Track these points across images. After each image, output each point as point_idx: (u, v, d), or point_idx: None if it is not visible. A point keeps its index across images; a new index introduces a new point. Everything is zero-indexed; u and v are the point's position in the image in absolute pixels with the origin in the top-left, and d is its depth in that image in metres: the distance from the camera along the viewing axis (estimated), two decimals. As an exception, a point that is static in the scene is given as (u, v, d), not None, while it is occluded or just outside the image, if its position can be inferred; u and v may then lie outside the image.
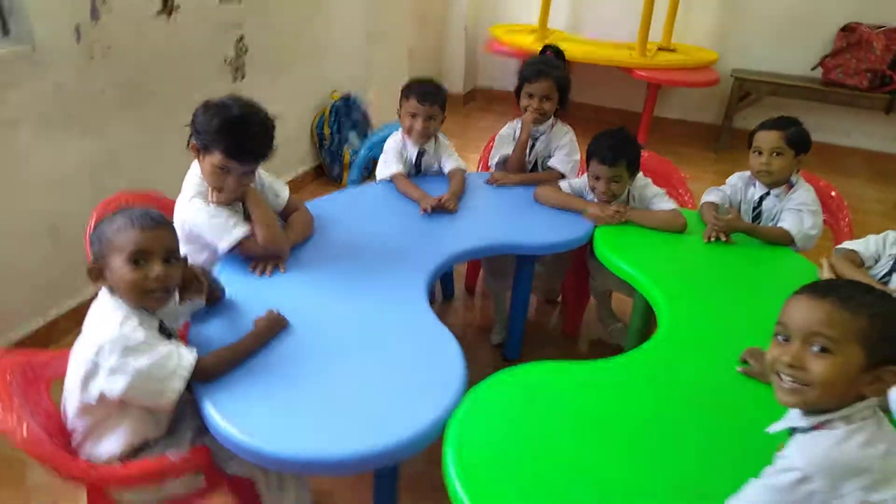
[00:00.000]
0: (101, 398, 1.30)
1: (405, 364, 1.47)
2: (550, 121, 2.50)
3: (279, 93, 3.35)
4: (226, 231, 1.74)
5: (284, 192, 1.98)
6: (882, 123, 4.54)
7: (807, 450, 1.00)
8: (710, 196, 2.26)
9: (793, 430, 1.06)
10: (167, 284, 1.38)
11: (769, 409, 1.13)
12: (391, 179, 2.34)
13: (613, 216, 2.13)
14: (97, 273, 1.36)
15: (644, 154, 2.31)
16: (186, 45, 2.71)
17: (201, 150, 1.72)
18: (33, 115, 2.15)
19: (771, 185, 2.17)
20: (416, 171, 2.45)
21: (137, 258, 1.33)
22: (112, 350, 1.28)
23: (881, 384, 0.99)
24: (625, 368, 1.51)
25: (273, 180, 1.97)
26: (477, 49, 5.47)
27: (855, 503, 0.96)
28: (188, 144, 1.75)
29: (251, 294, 1.66)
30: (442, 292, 2.87)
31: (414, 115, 2.31)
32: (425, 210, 2.15)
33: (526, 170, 2.50)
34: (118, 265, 1.33)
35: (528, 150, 2.50)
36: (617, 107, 5.20)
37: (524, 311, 2.36)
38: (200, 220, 1.73)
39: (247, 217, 1.83)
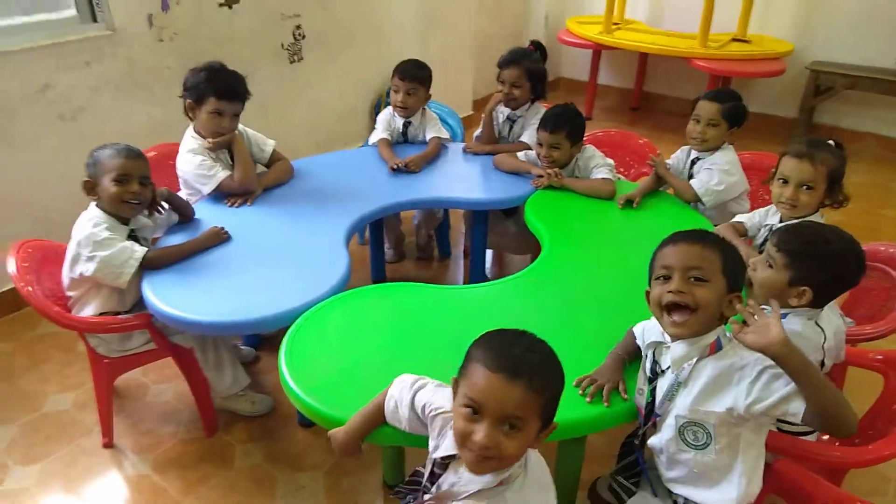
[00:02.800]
0: (81, 276, 1.87)
1: (302, 271, 1.90)
2: (526, 105, 2.76)
3: (337, 74, 3.88)
4: (208, 179, 2.26)
5: (269, 147, 2.47)
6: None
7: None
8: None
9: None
10: (140, 199, 1.93)
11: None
12: (376, 144, 2.75)
13: (546, 179, 2.39)
14: (90, 187, 1.93)
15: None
16: (245, 32, 3.31)
17: (195, 104, 2.25)
18: (112, 84, 2.83)
19: (702, 152, 2.33)
20: (404, 139, 2.84)
21: (121, 178, 1.89)
22: (87, 243, 1.84)
23: (732, 307, 1.28)
24: (475, 295, 1.82)
25: (258, 136, 2.47)
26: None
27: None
28: (185, 109, 2.27)
29: (217, 218, 2.17)
30: (439, 251, 3.24)
31: (396, 91, 2.71)
32: (391, 168, 2.55)
33: (496, 142, 2.80)
34: (106, 183, 1.89)
35: (507, 132, 2.80)
36: (692, 98, 5.17)
37: (481, 260, 2.67)
38: (188, 170, 2.26)
39: (232, 164, 2.34)
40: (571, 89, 5.88)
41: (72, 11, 2.68)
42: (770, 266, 1.52)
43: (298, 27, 3.59)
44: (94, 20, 2.74)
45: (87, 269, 1.84)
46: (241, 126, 2.40)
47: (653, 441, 1.38)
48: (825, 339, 1.54)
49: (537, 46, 2.87)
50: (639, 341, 1.45)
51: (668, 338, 1.35)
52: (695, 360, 1.29)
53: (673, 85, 5.26)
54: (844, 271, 1.52)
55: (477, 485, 1.13)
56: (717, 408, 1.26)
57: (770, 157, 2.59)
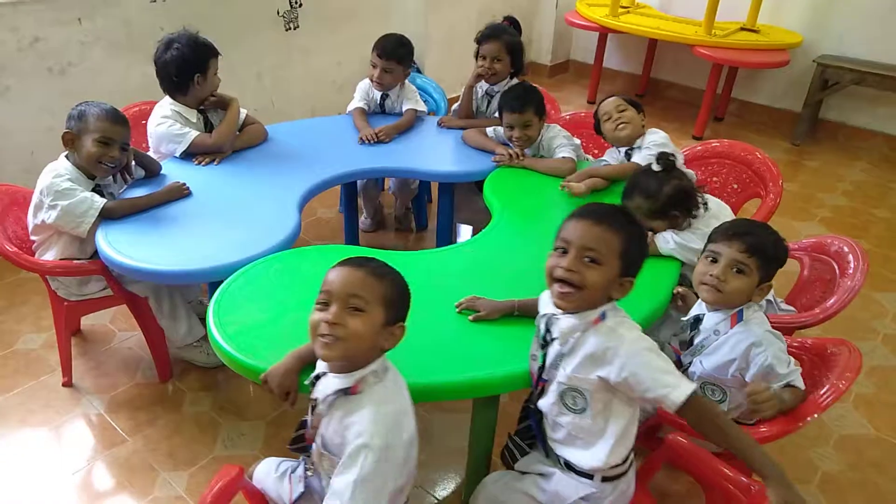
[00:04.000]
0: (43, 223, 1.97)
1: (253, 227, 1.98)
2: (506, 80, 2.78)
3: (334, 45, 3.93)
4: (181, 138, 2.33)
5: (242, 113, 2.54)
6: None
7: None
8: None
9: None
10: (116, 163, 2.03)
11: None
12: (351, 113, 2.81)
13: (508, 158, 2.43)
14: (70, 139, 2.01)
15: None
16: (240, -2, 3.37)
17: (194, 77, 2.33)
18: (104, 41, 2.92)
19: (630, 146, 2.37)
20: (381, 110, 2.89)
21: (104, 140, 1.98)
22: (48, 192, 1.94)
23: (623, 288, 1.34)
24: (411, 261, 1.88)
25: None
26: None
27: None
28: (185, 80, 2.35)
29: (182, 174, 2.25)
30: (416, 223, 3.29)
31: (374, 66, 2.75)
32: (361, 140, 2.60)
33: (473, 117, 2.83)
34: (88, 142, 1.98)
35: (486, 107, 2.83)
36: (699, 87, 5.12)
37: (446, 232, 2.72)
38: (161, 132, 2.34)
39: (206, 127, 2.42)
40: (581, 72, 5.84)
41: (64, -32, 2.76)
42: (741, 272, 1.54)
43: (295, -5, 3.63)
44: (86, -23, 2.82)
45: (48, 216, 1.94)
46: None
47: (541, 403, 1.43)
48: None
49: (512, 21, 2.87)
50: (540, 308, 1.50)
51: (558, 310, 1.38)
52: (578, 333, 1.33)
53: (680, 72, 5.19)
54: (784, 261, 1.63)
55: (333, 387, 1.24)
56: (591, 376, 1.31)
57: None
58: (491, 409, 1.65)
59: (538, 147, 2.52)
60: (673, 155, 1.94)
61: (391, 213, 3.31)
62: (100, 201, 1.96)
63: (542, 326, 1.41)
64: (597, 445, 1.37)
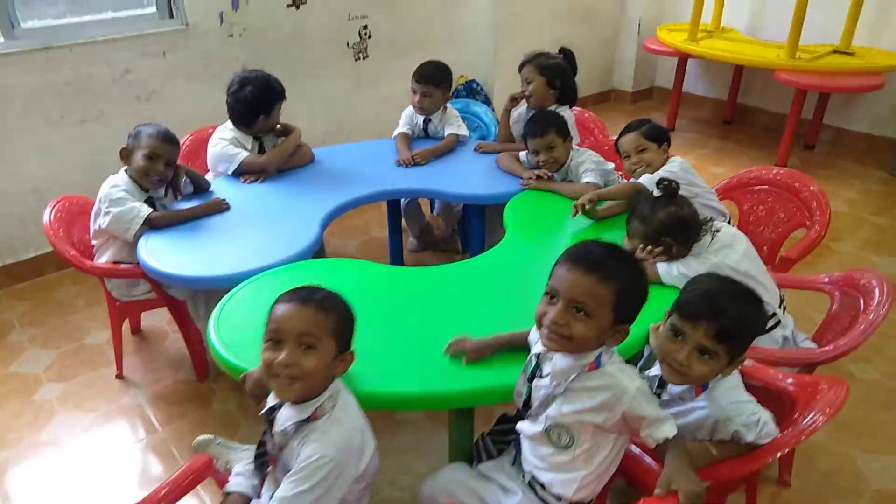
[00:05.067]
0: (100, 228, 2.24)
1: (274, 239, 2.14)
2: (554, 106, 2.78)
3: (401, 73, 4.07)
4: (231, 158, 2.56)
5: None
6: None
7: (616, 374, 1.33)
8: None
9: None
10: (162, 177, 2.29)
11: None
12: (396, 137, 2.94)
13: (531, 182, 2.45)
14: (126, 154, 2.29)
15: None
16: (311, 30, 3.64)
17: (260, 117, 2.58)
18: (184, 72, 3.25)
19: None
20: (425, 134, 3.00)
21: (151, 156, 2.24)
22: (105, 200, 2.21)
23: (618, 336, 1.32)
24: (414, 276, 1.96)
25: None
26: (650, 47, 5.53)
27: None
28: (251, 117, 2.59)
29: (228, 190, 2.47)
30: (462, 245, 3.35)
31: (414, 92, 2.88)
32: (398, 163, 2.73)
33: (512, 142, 2.87)
34: (138, 156, 2.25)
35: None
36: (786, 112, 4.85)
37: (478, 248, 2.76)
38: (215, 152, 2.60)
39: (260, 152, 2.64)
40: (666, 99, 5.68)
41: (152, 9, 3.13)
42: (708, 356, 1.34)
43: (365, 27, 3.87)
44: (171, 16, 3.17)
45: (103, 221, 2.20)
46: None
47: (522, 426, 1.44)
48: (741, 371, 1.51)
49: (565, 53, 2.89)
50: (531, 342, 1.48)
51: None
52: (573, 376, 1.32)
53: (768, 98, 4.94)
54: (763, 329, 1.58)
55: (292, 419, 1.30)
56: (586, 420, 1.31)
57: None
58: (467, 422, 1.68)
59: (566, 171, 2.53)
60: (675, 182, 1.89)
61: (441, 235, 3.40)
62: (146, 211, 2.20)
63: (533, 362, 1.40)
64: (572, 474, 1.36)
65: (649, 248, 1.86)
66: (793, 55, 4.14)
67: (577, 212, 2.17)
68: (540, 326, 1.33)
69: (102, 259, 2.30)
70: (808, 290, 2.08)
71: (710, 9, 4.84)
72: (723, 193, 2.62)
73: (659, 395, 1.53)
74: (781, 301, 1.95)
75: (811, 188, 2.43)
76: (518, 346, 1.54)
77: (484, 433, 1.57)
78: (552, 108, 2.71)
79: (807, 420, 1.38)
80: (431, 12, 4.15)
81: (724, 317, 1.31)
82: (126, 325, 2.69)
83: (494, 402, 1.52)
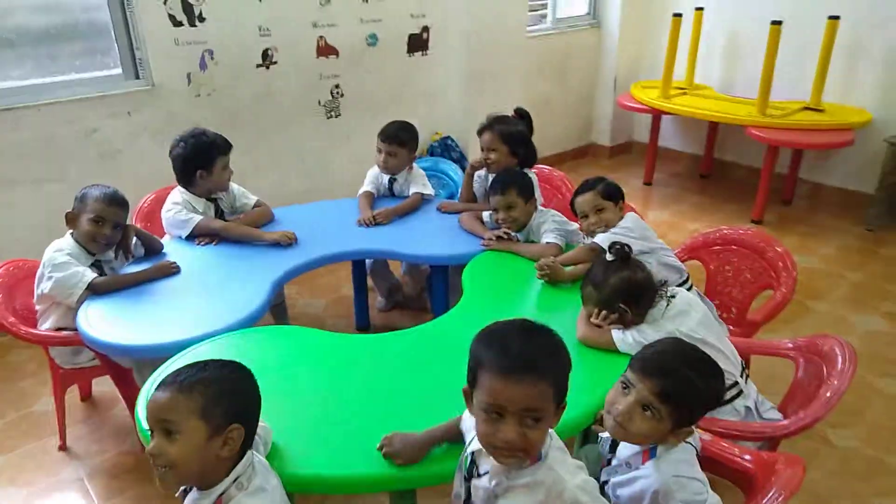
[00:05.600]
0: (42, 293, 2.16)
1: (222, 305, 2.07)
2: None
3: (374, 131, 4.06)
4: (184, 224, 2.50)
5: (251, 200, 2.72)
6: None
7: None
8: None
9: None
10: (109, 241, 2.24)
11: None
12: (359, 197, 2.91)
13: (492, 243, 2.41)
14: (71, 218, 2.23)
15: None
16: (282, 90, 3.65)
17: (205, 171, 2.52)
18: (151, 130, 3.23)
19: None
20: (391, 193, 2.97)
21: (97, 220, 2.18)
22: (48, 265, 2.14)
23: (557, 418, 1.20)
24: (360, 343, 1.89)
25: (243, 190, 2.74)
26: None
27: None
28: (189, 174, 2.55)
29: (179, 252, 2.41)
30: (431, 305, 3.28)
31: (379, 151, 2.86)
32: (359, 222, 2.68)
33: (474, 202, 2.83)
34: (84, 220, 2.19)
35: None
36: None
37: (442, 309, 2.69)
38: (168, 217, 2.53)
39: (218, 214, 2.60)
40: (644, 153, 5.74)
41: (118, 70, 3.13)
42: (648, 412, 1.32)
43: (337, 86, 3.88)
44: (137, 77, 3.17)
45: (45, 286, 2.13)
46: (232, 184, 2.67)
47: None
48: (697, 450, 1.43)
49: (521, 114, 2.88)
50: (465, 431, 1.39)
51: None
52: (514, 471, 1.23)
53: (744, 153, 4.97)
54: (720, 402, 1.49)
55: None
56: None
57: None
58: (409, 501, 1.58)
59: (528, 232, 2.48)
60: (627, 245, 1.84)
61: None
62: (90, 276, 2.13)
63: (468, 459, 1.31)
64: None
65: (603, 313, 1.80)
66: (763, 111, 4.17)
67: (540, 275, 2.13)
68: (489, 449, 1.20)
69: (46, 325, 2.21)
70: (773, 356, 2.01)
71: (684, 66, 4.92)
72: (688, 253, 2.58)
73: (609, 462, 1.46)
74: (744, 369, 1.87)
75: (777, 249, 2.39)
76: (454, 438, 1.44)
77: None
78: None
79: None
80: (404, 71, 4.18)
81: (671, 377, 1.32)
82: (76, 392, 2.59)
83: (434, 484, 1.44)
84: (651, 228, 2.31)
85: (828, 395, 1.64)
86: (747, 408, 1.80)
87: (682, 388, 1.31)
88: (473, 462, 1.29)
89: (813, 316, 3.23)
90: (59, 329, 2.19)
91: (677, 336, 1.69)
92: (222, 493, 1.22)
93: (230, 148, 2.59)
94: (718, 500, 1.33)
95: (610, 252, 1.84)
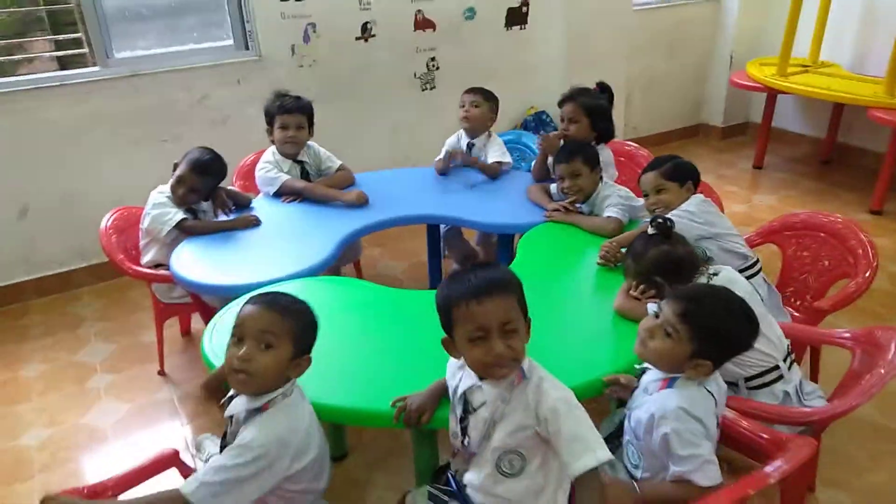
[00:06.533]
0: (142, 228, 2.49)
1: (293, 254, 2.28)
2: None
3: (468, 103, 4.20)
4: (273, 181, 2.74)
5: (336, 164, 2.91)
6: None
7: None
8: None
9: None
10: (184, 200, 2.51)
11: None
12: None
13: (556, 214, 2.44)
14: (175, 168, 2.53)
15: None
16: (380, 62, 3.82)
17: (270, 128, 2.76)
18: (257, 99, 3.50)
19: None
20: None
21: (179, 179, 2.49)
22: (149, 203, 2.47)
23: (527, 334, 1.34)
24: (410, 299, 2.01)
25: (330, 154, 2.93)
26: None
27: None
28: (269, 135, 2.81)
29: (266, 207, 2.66)
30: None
31: (462, 105, 3.01)
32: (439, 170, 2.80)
33: (547, 176, 2.84)
34: (175, 179, 2.49)
35: None
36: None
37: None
38: (258, 175, 2.79)
39: (303, 175, 2.81)
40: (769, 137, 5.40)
41: (229, 41, 3.43)
42: (669, 335, 1.42)
43: (433, 59, 4.00)
44: (246, 48, 3.46)
45: (144, 221, 2.46)
46: (314, 144, 2.87)
47: (469, 477, 1.41)
48: (716, 403, 1.44)
49: (603, 88, 2.85)
50: (449, 381, 1.48)
51: (478, 379, 1.38)
52: (507, 395, 1.33)
53: (872, 138, 4.55)
54: (744, 346, 1.50)
55: (244, 406, 1.40)
56: (527, 432, 1.31)
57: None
58: (426, 446, 1.69)
59: (593, 204, 2.49)
60: (670, 220, 1.82)
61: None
62: (179, 216, 2.42)
63: (461, 401, 1.40)
64: (537, 498, 1.35)
65: (641, 287, 1.80)
66: (891, 92, 3.81)
67: (600, 260, 2.13)
68: (487, 369, 1.32)
69: (146, 258, 2.53)
70: (829, 344, 1.91)
71: (809, 42, 4.57)
72: (764, 237, 2.47)
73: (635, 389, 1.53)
74: (788, 354, 1.80)
75: (860, 236, 2.23)
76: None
77: (429, 486, 1.53)
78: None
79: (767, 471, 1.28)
80: (501, 45, 4.22)
81: (695, 302, 1.43)
82: (177, 326, 2.93)
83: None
84: (721, 214, 2.25)
85: (869, 384, 1.56)
86: (786, 392, 1.74)
87: (703, 312, 1.41)
88: (467, 401, 1.38)
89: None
90: (157, 265, 2.50)
91: None
92: (269, 400, 1.39)
93: (297, 110, 2.76)
94: (711, 450, 1.35)
95: (651, 226, 1.83)
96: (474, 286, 1.29)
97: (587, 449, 1.23)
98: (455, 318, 1.31)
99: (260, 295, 1.46)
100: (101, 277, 3.42)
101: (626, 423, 1.53)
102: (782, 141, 5.11)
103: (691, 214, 2.12)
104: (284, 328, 1.39)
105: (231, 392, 1.48)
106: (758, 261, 2.24)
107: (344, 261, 3.11)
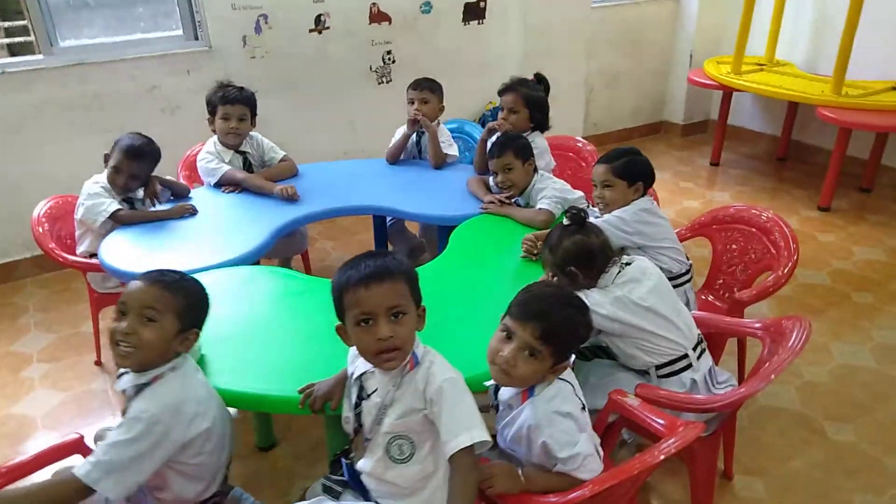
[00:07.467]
0: (77, 218, 2.47)
1: (225, 242, 2.27)
2: (526, 133, 2.77)
3: (426, 97, 4.21)
4: (213, 172, 2.74)
5: (279, 154, 2.90)
6: None
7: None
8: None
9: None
10: (125, 187, 2.49)
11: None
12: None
13: (491, 206, 2.46)
14: (106, 160, 2.51)
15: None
16: (334, 55, 3.82)
17: (212, 118, 2.75)
18: (208, 89, 3.48)
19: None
20: (418, 151, 3.06)
21: (115, 168, 2.46)
22: (83, 193, 2.45)
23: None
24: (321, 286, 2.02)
25: (272, 144, 2.92)
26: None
27: None
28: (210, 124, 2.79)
29: (209, 197, 2.65)
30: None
31: (411, 102, 2.97)
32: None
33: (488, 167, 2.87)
34: (111, 169, 2.47)
35: None
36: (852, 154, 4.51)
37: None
38: (200, 166, 2.78)
39: (246, 166, 2.81)
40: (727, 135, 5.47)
41: (179, 31, 3.41)
42: (533, 356, 1.38)
43: (389, 53, 4.00)
44: (196, 38, 3.44)
45: (78, 212, 2.44)
46: (258, 135, 2.86)
47: (362, 464, 1.43)
48: (572, 385, 1.47)
49: (540, 79, 2.88)
50: (349, 367, 1.49)
51: (370, 365, 1.40)
52: (398, 379, 1.36)
53: (825, 136, 4.62)
54: (587, 334, 1.51)
55: (132, 382, 1.41)
56: (416, 416, 1.33)
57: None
58: (340, 434, 1.70)
59: (528, 196, 2.51)
60: (583, 210, 1.84)
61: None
62: (114, 206, 2.40)
63: (358, 386, 1.42)
64: (427, 489, 1.37)
65: (555, 277, 1.82)
66: (838, 91, 3.88)
67: (523, 253, 2.14)
68: (373, 357, 1.34)
69: (81, 248, 2.52)
70: (741, 335, 1.95)
71: (765, 41, 4.64)
72: (695, 231, 2.51)
73: (496, 408, 1.52)
74: (699, 343, 1.84)
75: (784, 230, 2.28)
76: None
77: (324, 477, 1.54)
78: (525, 134, 2.70)
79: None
80: (458, 39, 4.23)
81: (551, 318, 1.38)
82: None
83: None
84: (660, 221, 2.22)
85: (766, 371, 1.60)
86: (693, 380, 1.77)
87: (562, 327, 1.39)
88: (361, 387, 1.40)
89: (850, 306, 3.03)
90: (92, 255, 2.49)
91: (626, 303, 1.72)
92: (157, 375, 1.40)
93: (240, 101, 2.73)
94: (593, 450, 1.36)
95: (566, 216, 1.85)
96: (363, 272, 1.31)
97: (464, 428, 1.25)
98: (345, 304, 1.34)
99: (147, 272, 1.47)
100: (46, 268, 3.40)
101: (498, 441, 1.52)
102: (740, 138, 5.19)
103: (622, 222, 2.13)
104: (167, 303, 1.40)
105: (121, 370, 1.49)
106: (688, 270, 2.27)
107: (290, 252, 3.12)
